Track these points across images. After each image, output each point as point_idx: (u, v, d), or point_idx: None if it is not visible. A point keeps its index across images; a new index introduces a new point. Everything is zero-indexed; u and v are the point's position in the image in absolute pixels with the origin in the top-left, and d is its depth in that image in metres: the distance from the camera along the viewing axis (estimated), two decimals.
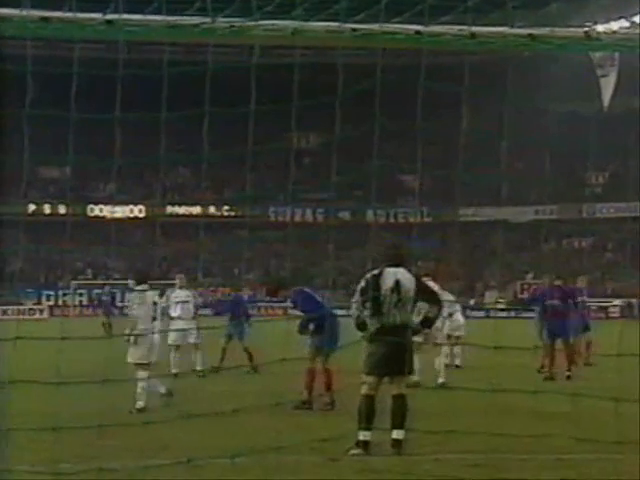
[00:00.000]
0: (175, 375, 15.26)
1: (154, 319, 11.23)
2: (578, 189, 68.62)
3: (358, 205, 68.63)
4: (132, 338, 10.91)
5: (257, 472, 7.33)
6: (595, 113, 59.23)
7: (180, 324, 15.93)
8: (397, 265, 8.44)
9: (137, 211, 69.62)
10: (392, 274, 8.33)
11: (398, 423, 8.13)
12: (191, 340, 16.03)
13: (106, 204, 69.97)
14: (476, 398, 10.81)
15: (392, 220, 68.78)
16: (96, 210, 69.81)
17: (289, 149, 68.24)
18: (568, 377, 14.93)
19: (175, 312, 16.22)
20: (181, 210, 70.33)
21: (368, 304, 8.29)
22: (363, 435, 8.08)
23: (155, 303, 11.31)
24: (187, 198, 71.65)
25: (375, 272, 8.43)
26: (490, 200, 65.99)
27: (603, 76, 53.54)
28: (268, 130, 54.87)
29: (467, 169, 66.94)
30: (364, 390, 8.28)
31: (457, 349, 16.38)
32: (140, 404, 10.57)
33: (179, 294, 16.55)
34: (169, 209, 70.01)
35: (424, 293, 8.42)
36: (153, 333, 11.06)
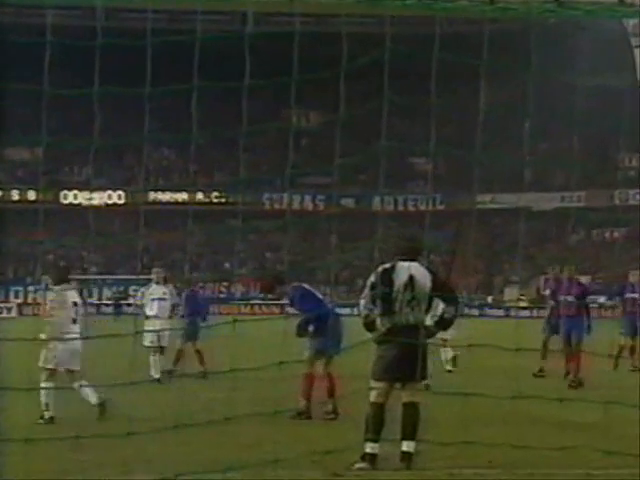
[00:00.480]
0: (158, 380, 15.31)
1: (74, 321, 11.10)
2: (609, 173, 68.52)
3: (363, 191, 68.66)
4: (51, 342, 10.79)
5: None
6: (629, 87, 59.15)
7: (156, 324, 16.00)
8: (411, 259, 8.44)
9: (116, 197, 69.64)
10: (406, 269, 8.34)
11: (409, 434, 8.14)
12: (164, 343, 16.12)
13: (82, 190, 70.00)
14: (495, 406, 10.85)
15: (401, 208, 68.84)
16: (70, 196, 69.84)
17: (287, 128, 68.17)
18: (572, 385, 14.90)
19: (151, 310, 16.27)
20: (165, 197, 70.37)
21: (378, 302, 8.30)
22: (370, 447, 8.11)
23: (76, 304, 11.20)
24: (172, 183, 71.68)
25: (387, 266, 8.42)
26: (511, 185, 65.93)
27: (638, 46, 53.50)
28: (263, 107, 55.04)
29: (485, 151, 67.00)
30: (373, 397, 8.29)
31: (446, 354, 16.29)
32: (48, 413, 10.47)
33: (155, 290, 16.57)
34: (152, 195, 70.02)
35: (441, 290, 8.42)
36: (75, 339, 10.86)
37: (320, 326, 11.39)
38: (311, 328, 11.44)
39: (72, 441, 7.80)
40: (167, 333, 15.91)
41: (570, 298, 15.84)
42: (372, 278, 8.42)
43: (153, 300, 16.39)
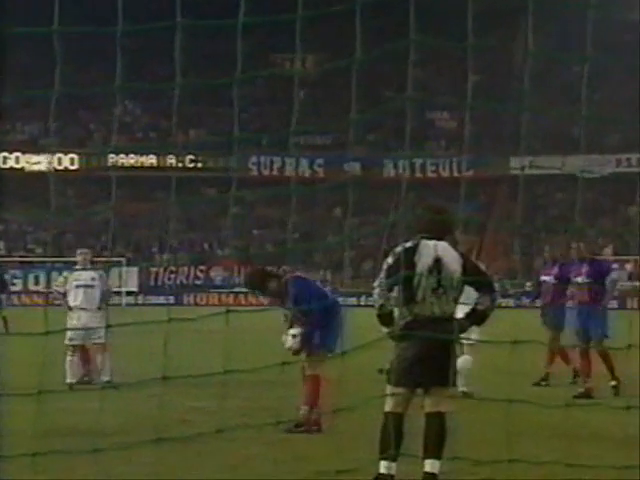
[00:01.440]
0: (70, 387, 15.36)
1: None
2: None
3: (372, 154, 68.61)
4: None
5: None
6: None
7: (82, 316, 16.00)
8: (438, 238, 8.44)
9: (68, 161, 69.59)
10: (431, 249, 8.30)
11: (433, 451, 8.15)
12: (95, 339, 16.05)
13: (25, 152, 69.90)
14: (542, 416, 10.89)
15: (419, 174, 68.78)
16: (11, 160, 69.79)
17: (279, 76, 68.10)
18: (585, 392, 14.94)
19: (74, 300, 16.15)
20: (129, 160, 70.35)
21: (397, 289, 8.27)
22: (385, 467, 8.12)
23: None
24: (138, 144, 71.60)
25: (408, 245, 8.37)
26: (554, 147, 65.91)
27: None
28: (249, 50, 54.78)
29: (522, 104, 66.84)
30: (389, 406, 8.29)
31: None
32: None
33: (81, 276, 16.41)
34: (112, 159, 69.98)
35: (473, 275, 8.40)
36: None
37: (329, 321, 11.49)
38: (317, 340, 11.51)
39: (26, 460, 7.84)
40: (98, 328, 15.76)
41: (581, 280, 15.94)
42: (389, 260, 8.36)
43: (78, 287, 16.25)
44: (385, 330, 8.41)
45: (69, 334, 15.73)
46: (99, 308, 16.25)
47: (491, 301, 8.46)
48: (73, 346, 15.99)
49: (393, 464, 8.10)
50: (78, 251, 17.43)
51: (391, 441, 8.14)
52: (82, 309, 16.07)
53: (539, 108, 61.91)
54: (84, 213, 62.54)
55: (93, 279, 16.37)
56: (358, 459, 8.63)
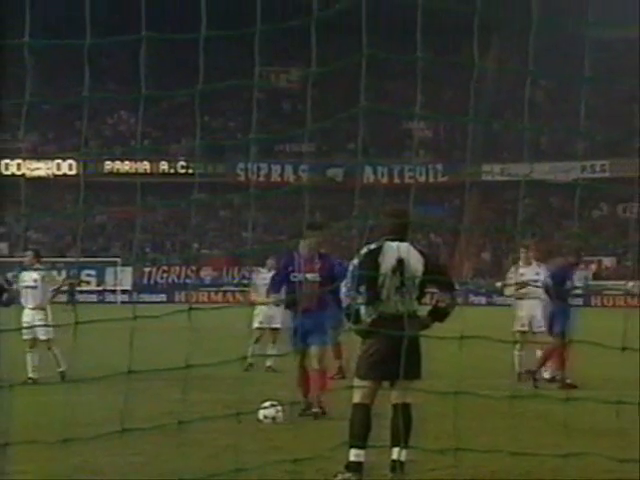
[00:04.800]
0: (32, 381, 15.58)
1: None
2: (635, 139, 68.65)
3: (353, 161, 68.56)
4: None
5: None
6: None
7: (28, 314, 16.26)
8: (401, 239, 8.41)
9: (66, 167, 69.40)
10: (394, 250, 8.30)
11: (401, 440, 8.13)
12: (41, 335, 16.22)
13: (25, 159, 69.68)
14: (492, 407, 10.93)
15: (397, 180, 68.84)
16: (12, 167, 69.55)
17: (266, 86, 67.97)
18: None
19: (23, 299, 16.48)
20: (124, 166, 70.17)
21: (362, 288, 8.26)
22: (355, 455, 8.08)
23: None
24: (131, 151, 71.46)
25: (372, 246, 8.38)
26: (522, 154, 66.05)
27: None
28: (237, 62, 54.77)
29: (494, 114, 67.00)
30: (357, 398, 8.27)
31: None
32: None
33: (24, 277, 16.67)
34: (108, 165, 69.82)
35: (435, 275, 8.38)
36: None
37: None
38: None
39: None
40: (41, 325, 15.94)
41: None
42: (355, 261, 8.36)
43: (24, 288, 16.56)
44: (352, 327, 8.40)
45: (23, 330, 15.76)
46: (42, 308, 16.41)
47: (451, 300, 8.45)
48: (29, 340, 16.14)
49: (362, 452, 8.08)
50: (26, 253, 17.69)
51: (360, 430, 8.13)
52: (28, 307, 16.38)
53: (509, 120, 62.12)
54: (82, 216, 62.25)
55: (35, 280, 16.53)
56: (326, 448, 8.57)
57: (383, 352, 8.16)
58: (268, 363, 17.68)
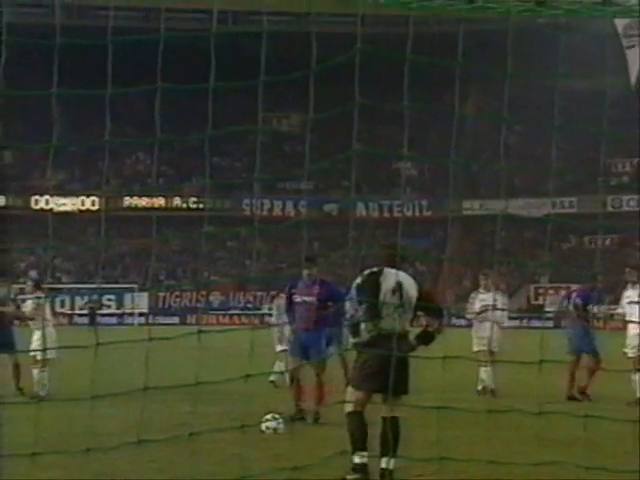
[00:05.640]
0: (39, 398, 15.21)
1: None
2: (600, 179, 68.73)
3: (347, 197, 68.58)
4: None
5: None
6: (621, 91, 59.37)
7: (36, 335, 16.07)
8: (396, 267, 8.43)
9: (89, 203, 69.32)
10: (393, 274, 8.32)
11: (389, 450, 8.09)
12: (38, 354, 15.78)
13: (53, 195, 69.62)
14: (471, 421, 10.90)
15: (386, 214, 68.80)
16: (41, 202, 69.47)
17: (268, 132, 68.00)
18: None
19: (34, 323, 16.30)
20: (141, 202, 70.10)
21: (364, 306, 8.25)
22: (359, 457, 8.04)
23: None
24: (148, 188, 71.40)
25: (374, 269, 8.40)
26: (499, 191, 66.09)
27: (630, 47, 53.60)
28: (243, 109, 54.89)
29: (473, 156, 67.06)
30: (350, 407, 8.24)
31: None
32: None
33: (26, 303, 16.59)
34: (127, 201, 69.76)
35: (426, 302, 8.38)
36: None
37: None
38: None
39: (30, 459, 7.68)
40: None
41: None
42: (358, 280, 8.37)
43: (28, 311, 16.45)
44: (352, 340, 8.44)
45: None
46: (38, 329, 15.92)
47: (439, 325, 8.45)
48: (37, 361, 15.74)
49: (365, 453, 8.06)
50: (28, 282, 17.50)
51: (359, 435, 8.11)
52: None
53: (486, 159, 62.23)
54: (104, 246, 62.18)
55: (33, 308, 16.20)
56: (325, 456, 8.53)
57: (376, 366, 8.15)
58: (271, 378, 17.58)
